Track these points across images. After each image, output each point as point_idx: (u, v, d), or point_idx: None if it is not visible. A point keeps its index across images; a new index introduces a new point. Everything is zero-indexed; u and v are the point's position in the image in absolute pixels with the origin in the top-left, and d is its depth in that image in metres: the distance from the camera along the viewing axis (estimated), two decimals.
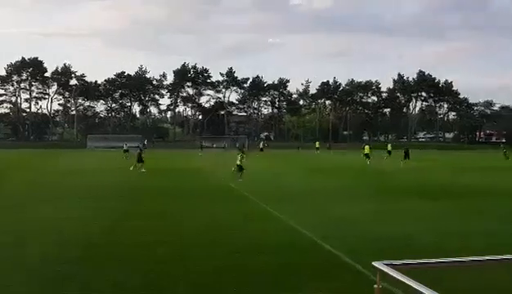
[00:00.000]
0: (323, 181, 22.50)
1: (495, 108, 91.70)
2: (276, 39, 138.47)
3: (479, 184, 20.64)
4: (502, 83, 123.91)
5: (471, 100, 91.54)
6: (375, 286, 3.00)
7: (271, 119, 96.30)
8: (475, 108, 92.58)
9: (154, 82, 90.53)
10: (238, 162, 22.89)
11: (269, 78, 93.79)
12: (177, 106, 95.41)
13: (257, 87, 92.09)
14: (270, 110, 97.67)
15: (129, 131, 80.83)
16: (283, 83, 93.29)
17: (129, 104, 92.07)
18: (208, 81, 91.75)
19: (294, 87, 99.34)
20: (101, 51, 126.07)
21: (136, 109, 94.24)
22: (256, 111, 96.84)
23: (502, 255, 3.49)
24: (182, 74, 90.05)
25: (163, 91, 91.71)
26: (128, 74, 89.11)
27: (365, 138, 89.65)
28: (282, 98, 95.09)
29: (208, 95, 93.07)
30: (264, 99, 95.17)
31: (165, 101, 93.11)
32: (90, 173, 25.85)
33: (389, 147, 41.93)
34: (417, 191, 18.23)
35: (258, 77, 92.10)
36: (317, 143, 61.27)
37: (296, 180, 23.70)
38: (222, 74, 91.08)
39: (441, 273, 4.88)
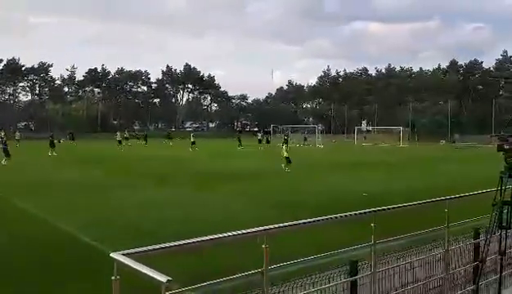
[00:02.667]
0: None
1: (249, 101, 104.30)
2: (38, 19, 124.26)
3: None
4: (255, 79, 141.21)
5: (230, 94, 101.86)
6: (113, 277, 2.80)
7: (30, 107, 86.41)
8: (233, 100, 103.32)
9: None
10: (285, 154, 22.83)
11: (28, 62, 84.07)
12: None
13: (12, 71, 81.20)
14: (29, 97, 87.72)
15: None
16: (45, 68, 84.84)
17: None
18: None
19: (57, 73, 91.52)
20: None
21: None
22: (11, 97, 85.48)
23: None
24: None
25: None
26: None
27: (136, 127, 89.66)
28: (44, 84, 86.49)
29: None
30: (22, 84, 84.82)
31: None
32: None
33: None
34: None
35: (13, 59, 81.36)
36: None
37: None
38: None
39: (180, 255, 5.11)
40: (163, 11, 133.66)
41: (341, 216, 4.57)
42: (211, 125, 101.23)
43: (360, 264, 5.23)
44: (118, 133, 49.78)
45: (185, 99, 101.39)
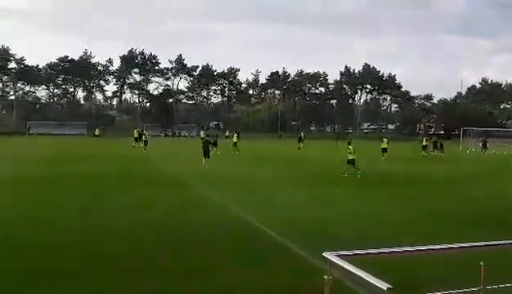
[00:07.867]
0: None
1: (434, 101, 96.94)
2: (226, 27, 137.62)
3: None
4: (440, 78, 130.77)
5: (412, 93, 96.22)
6: (325, 276, 2.95)
7: (220, 108, 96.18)
8: (416, 101, 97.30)
9: (100, 68, 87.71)
10: (350, 157, 20.83)
11: (218, 67, 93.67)
12: (124, 93, 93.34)
13: (206, 75, 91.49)
14: (219, 99, 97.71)
15: (72, 117, 77.53)
16: (233, 72, 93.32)
17: (72, 89, 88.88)
18: (157, 68, 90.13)
19: (243, 76, 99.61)
20: (39, 34, 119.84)
21: (80, 95, 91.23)
22: (205, 99, 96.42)
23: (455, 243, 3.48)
24: (129, 60, 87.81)
25: (110, 77, 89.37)
26: (72, 59, 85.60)
27: (312, 128, 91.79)
28: (232, 87, 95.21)
29: (157, 82, 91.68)
30: (213, 87, 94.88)
31: (111, 88, 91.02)
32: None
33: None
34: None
35: (207, 65, 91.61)
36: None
37: None
38: (171, 61, 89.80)
39: (391, 262, 4.97)
40: (342, 11, 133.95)
41: None
42: (390, 126, 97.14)
43: None
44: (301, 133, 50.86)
45: (362, 99, 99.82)
